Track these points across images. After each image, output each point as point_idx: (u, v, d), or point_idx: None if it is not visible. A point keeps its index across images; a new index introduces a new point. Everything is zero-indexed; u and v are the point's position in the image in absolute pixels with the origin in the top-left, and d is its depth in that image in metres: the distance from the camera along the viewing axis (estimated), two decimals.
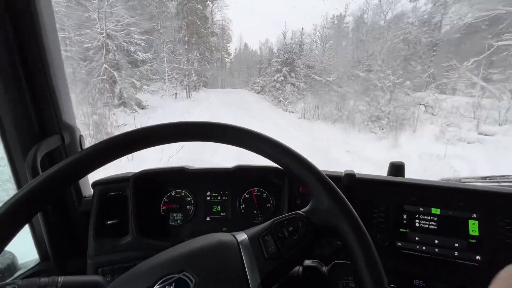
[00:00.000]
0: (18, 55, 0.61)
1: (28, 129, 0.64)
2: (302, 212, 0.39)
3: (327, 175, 0.55)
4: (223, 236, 0.38)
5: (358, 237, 0.34)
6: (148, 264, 0.36)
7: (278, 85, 16.91)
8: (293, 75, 17.38)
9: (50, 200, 0.35)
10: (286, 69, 17.35)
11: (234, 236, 0.39)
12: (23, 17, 0.61)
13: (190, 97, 16.22)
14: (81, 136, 0.76)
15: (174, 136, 0.44)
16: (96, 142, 0.40)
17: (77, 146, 0.74)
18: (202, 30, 20.56)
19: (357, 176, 0.68)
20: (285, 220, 0.38)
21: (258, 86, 22.26)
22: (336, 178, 0.71)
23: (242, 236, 0.38)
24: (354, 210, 0.37)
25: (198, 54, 19.61)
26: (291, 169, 0.40)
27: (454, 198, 0.64)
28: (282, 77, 17.14)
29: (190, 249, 0.36)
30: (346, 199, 0.37)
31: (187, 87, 16.52)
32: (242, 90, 27.94)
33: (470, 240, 0.60)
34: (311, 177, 0.39)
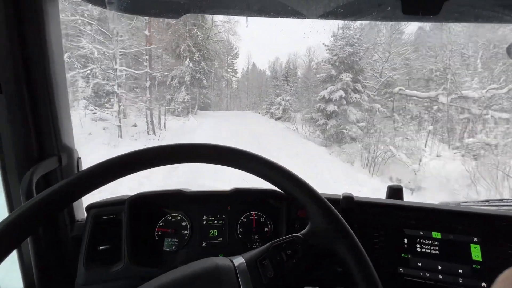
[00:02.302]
0: (24, 75, 0.62)
1: (26, 151, 0.64)
2: (301, 234, 0.39)
3: (325, 197, 0.55)
4: (220, 261, 0.37)
5: (358, 260, 0.34)
6: None
7: (332, 108, 9.93)
8: (359, 86, 10.00)
9: (41, 224, 0.34)
10: (348, 76, 9.78)
11: (231, 260, 0.38)
12: (30, 38, 0.62)
13: (160, 129, 9.78)
14: (79, 158, 0.76)
15: (171, 158, 0.44)
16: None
17: (74, 168, 0.74)
18: (199, 33, 16.58)
19: (355, 199, 0.68)
20: (284, 243, 0.37)
21: (277, 109, 17.55)
22: (334, 200, 0.71)
23: (239, 261, 0.37)
24: (352, 232, 0.36)
25: (190, 65, 15.73)
26: (289, 191, 0.40)
27: (454, 222, 0.63)
28: (342, 91, 9.76)
29: (186, 274, 0.35)
30: (344, 220, 0.37)
31: (162, 114, 10.68)
32: (250, 113, 24.50)
33: (474, 266, 0.59)
34: (309, 199, 0.39)
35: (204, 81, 18.13)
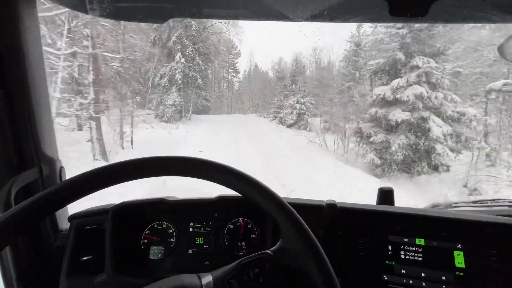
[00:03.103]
0: (0, 83, 0.60)
1: (6, 162, 0.63)
2: (271, 251, 0.38)
3: (308, 204, 0.54)
4: (187, 279, 0.37)
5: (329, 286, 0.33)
6: None
7: (399, 115, 5.83)
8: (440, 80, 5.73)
9: (20, 234, 0.34)
10: (427, 62, 5.84)
11: (199, 278, 0.37)
12: (7, 44, 0.61)
13: (122, 146, 6.59)
14: (61, 167, 0.75)
15: (150, 171, 0.44)
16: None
17: (56, 178, 0.73)
18: (192, 23, 14.39)
19: (338, 205, 0.67)
20: (252, 261, 0.36)
21: (290, 113, 14.86)
22: (317, 207, 0.70)
23: (207, 279, 0.37)
24: (324, 255, 0.36)
25: (183, 60, 14.03)
26: (260, 204, 0.39)
27: (438, 228, 0.62)
28: (420, 88, 5.84)
29: None
30: (317, 242, 0.36)
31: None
32: (254, 116, 22.54)
33: (457, 273, 0.58)
34: (281, 214, 0.38)
35: (199, 80, 15.80)
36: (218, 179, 0.42)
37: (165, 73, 14.38)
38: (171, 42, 14.28)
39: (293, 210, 0.39)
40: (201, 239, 0.78)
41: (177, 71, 14.30)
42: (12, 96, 0.63)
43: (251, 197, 0.40)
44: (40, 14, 0.73)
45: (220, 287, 0.35)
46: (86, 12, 0.79)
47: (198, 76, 16.02)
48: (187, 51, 14.84)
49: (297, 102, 14.81)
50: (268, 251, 0.38)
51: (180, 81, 14.46)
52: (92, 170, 0.41)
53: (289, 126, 14.71)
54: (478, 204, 1.14)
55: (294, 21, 0.92)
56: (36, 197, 0.35)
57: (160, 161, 0.42)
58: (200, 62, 16.21)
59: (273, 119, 17.68)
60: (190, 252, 0.76)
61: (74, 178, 0.40)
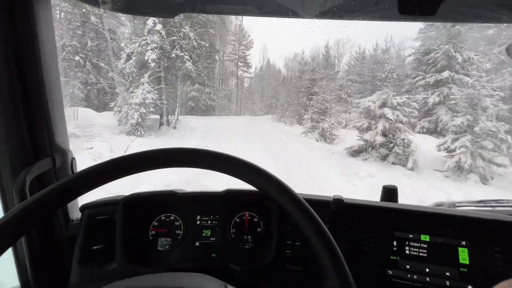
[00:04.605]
0: (16, 76, 0.62)
1: (20, 151, 0.65)
2: None
3: (315, 199, 0.55)
4: (214, 285, 0.37)
5: None
6: (130, 285, 0.35)
7: None
8: None
9: (35, 224, 0.36)
10: None
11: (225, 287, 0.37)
12: (22, 37, 0.62)
13: None
14: (73, 159, 0.77)
15: (164, 162, 0.45)
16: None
17: (68, 169, 0.75)
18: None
19: (345, 201, 0.68)
20: None
21: (360, 125, 8.14)
22: (324, 203, 0.71)
23: None
24: None
25: (159, 27, 8.93)
26: (296, 221, 0.39)
27: (443, 225, 0.63)
28: None
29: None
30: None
31: None
32: (269, 120, 17.87)
33: (461, 269, 0.59)
34: (326, 253, 0.37)
35: (189, 64, 10.27)
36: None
37: (132, 52, 9.34)
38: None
39: (337, 248, 0.38)
40: (208, 231, 0.79)
41: (148, 48, 8.84)
42: (27, 90, 0.64)
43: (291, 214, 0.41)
44: None
45: None
46: (98, 6, 0.80)
47: (186, 56, 9.97)
48: (168, 26, 9.51)
49: (385, 105, 7.80)
50: None
51: (153, 64, 8.91)
52: (106, 161, 0.42)
53: (354, 152, 8.29)
54: (482, 204, 1.15)
55: (303, 18, 0.92)
56: (52, 187, 0.36)
57: (180, 153, 0.43)
58: (192, 34, 10.15)
59: (292, 123, 12.75)
60: (197, 244, 0.78)
61: (88, 169, 0.41)
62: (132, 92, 9.69)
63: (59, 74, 0.75)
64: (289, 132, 13.87)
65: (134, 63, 9.77)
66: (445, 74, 10.44)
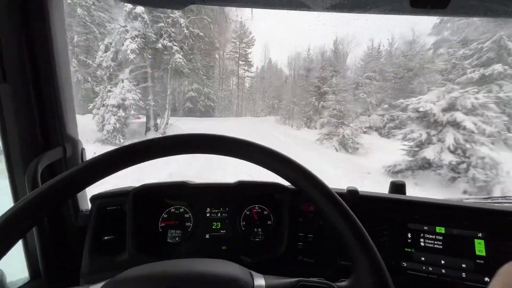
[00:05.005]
0: (29, 66, 0.62)
1: (32, 140, 0.64)
2: (337, 286, 0.36)
3: None
4: (241, 273, 0.36)
5: None
6: (158, 269, 0.34)
7: None
8: None
9: (47, 213, 0.35)
10: None
11: (252, 276, 0.36)
12: (35, 29, 0.63)
13: None
14: (83, 149, 0.76)
15: (180, 148, 0.44)
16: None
17: (78, 159, 0.74)
18: None
19: (360, 193, 0.68)
20: (313, 286, 0.35)
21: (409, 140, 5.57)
22: (338, 195, 0.70)
23: (260, 282, 0.36)
24: None
25: (139, 10, 6.94)
26: (332, 220, 0.37)
27: (458, 217, 0.63)
28: None
29: (203, 272, 0.35)
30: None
31: None
32: (271, 122, 16.20)
33: (477, 261, 0.59)
34: (358, 245, 0.35)
35: (179, 57, 8.47)
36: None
37: (110, 43, 7.60)
38: None
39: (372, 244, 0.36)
40: (218, 224, 0.79)
41: (127, 36, 7.12)
42: (39, 81, 0.65)
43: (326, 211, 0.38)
44: None
45: None
46: None
47: (175, 47, 8.27)
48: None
49: (453, 108, 5.73)
50: (334, 284, 0.36)
51: (133, 56, 7.24)
52: (116, 149, 0.41)
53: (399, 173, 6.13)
54: (489, 201, 1.15)
55: (313, 10, 0.91)
56: (63, 175, 0.35)
57: (202, 139, 0.42)
58: (184, 21, 8.32)
59: (323, 139, 10.01)
60: (207, 236, 0.77)
61: (98, 157, 0.39)
62: (109, 91, 7.68)
63: (70, 65, 0.75)
64: (298, 137, 11.75)
65: (111, 56, 7.68)
66: (497, 67, 7.84)
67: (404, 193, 0.81)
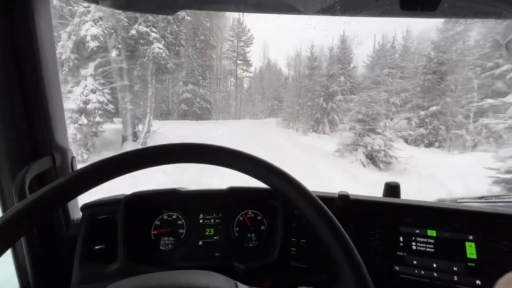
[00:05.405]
0: (15, 73, 0.61)
1: (19, 150, 0.63)
2: None
3: (320, 196, 0.54)
4: (226, 285, 0.36)
5: None
6: (140, 283, 0.34)
7: None
8: None
9: (35, 224, 0.34)
10: None
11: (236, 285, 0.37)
12: (20, 35, 0.61)
13: None
14: (73, 157, 0.75)
15: (169, 158, 0.44)
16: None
17: (68, 168, 0.73)
18: None
19: (351, 197, 0.68)
20: None
21: None
22: (329, 199, 0.70)
23: None
24: None
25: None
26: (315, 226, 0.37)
27: (450, 220, 0.63)
28: None
29: (188, 285, 0.35)
30: None
31: None
32: (272, 123, 15.06)
33: (469, 264, 0.59)
34: (343, 256, 0.35)
35: (158, 46, 6.91)
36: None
37: (72, 30, 6.01)
38: None
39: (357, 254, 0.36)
40: (211, 230, 0.78)
41: (88, 18, 5.78)
42: (26, 87, 0.63)
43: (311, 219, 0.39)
44: None
45: None
46: (96, 2, 0.79)
47: (153, 33, 6.80)
48: None
49: None
50: None
51: (94, 44, 5.81)
52: (106, 159, 0.41)
53: None
54: (484, 200, 1.15)
55: (304, 14, 0.92)
56: (51, 186, 0.35)
57: (184, 149, 0.42)
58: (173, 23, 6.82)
59: (344, 150, 8.07)
60: (200, 243, 0.77)
61: (88, 167, 0.39)
62: (70, 91, 6.06)
63: (58, 71, 0.74)
64: (306, 145, 9.77)
65: (70, 46, 5.80)
66: None
67: (398, 194, 0.81)
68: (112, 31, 6.34)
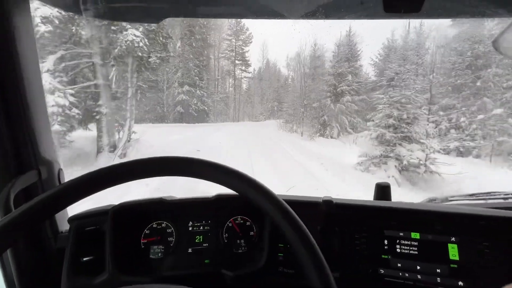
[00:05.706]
0: None
1: (3, 165, 0.63)
2: None
3: (304, 201, 0.55)
4: None
5: None
6: None
7: None
8: None
9: (20, 237, 0.35)
10: None
11: None
12: (2, 46, 0.60)
13: None
14: (60, 170, 0.75)
15: (148, 172, 0.45)
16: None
17: (55, 181, 0.74)
18: None
19: (334, 202, 0.68)
20: None
21: None
22: (314, 204, 0.71)
23: None
24: None
25: None
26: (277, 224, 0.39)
27: (432, 222, 0.64)
28: None
29: None
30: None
31: None
32: (273, 126, 14.34)
33: (451, 265, 0.59)
34: (306, 254, 0.37)
35: (135, 37, 5.58)
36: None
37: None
38: None
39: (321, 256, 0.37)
40: (201, 237, 0.79)
41: None
42: (8, 98, 0.62)
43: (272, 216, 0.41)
44: None
45: None
46: (80, 13, 0.79)
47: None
48: None
49: None
50: None
51: (45, 29, 4.62)
52: (92, 172, 0.42)
53: None
54: (474, 198, 1.16)
55: (288, 19, 0.92)
56: (35, 200, 0.36)
57: (162, 162, 0.43)
58: None
59: (369, 162, 6.59)
60: (190, 250, 0.77)
61: (73, 180, 0.41)
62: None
63: (42, 82, 0.73)
64: (314, 153, 8.10)
65: None
66: None
67: (389, 196, 0.82)
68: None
